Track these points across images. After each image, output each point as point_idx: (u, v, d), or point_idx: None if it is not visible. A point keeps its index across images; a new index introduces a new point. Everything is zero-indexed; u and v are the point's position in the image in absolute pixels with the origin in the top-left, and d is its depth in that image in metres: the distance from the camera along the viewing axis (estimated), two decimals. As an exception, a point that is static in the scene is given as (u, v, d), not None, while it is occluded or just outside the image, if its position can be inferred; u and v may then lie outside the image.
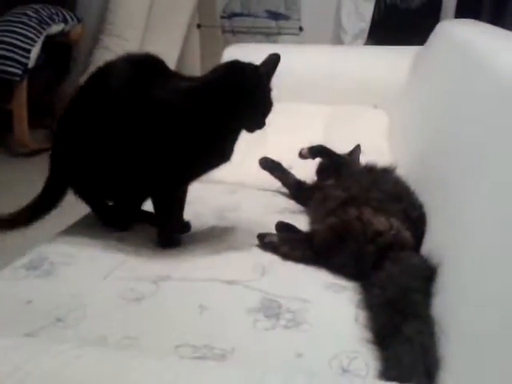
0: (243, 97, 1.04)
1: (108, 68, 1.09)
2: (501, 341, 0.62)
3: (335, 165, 1.39)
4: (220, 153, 1.09)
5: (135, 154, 1.06)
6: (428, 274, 0.91)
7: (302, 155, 1.41)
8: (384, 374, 0.76)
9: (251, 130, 1.09)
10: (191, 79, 1.11)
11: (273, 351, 0.82)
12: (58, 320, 0.86)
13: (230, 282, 0.98)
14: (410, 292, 0.89)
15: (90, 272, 1.01)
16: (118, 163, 1.08)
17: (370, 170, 1.32)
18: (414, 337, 0.78)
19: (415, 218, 1.09)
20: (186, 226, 1.20)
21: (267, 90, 1.08)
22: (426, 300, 0.87)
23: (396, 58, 2.06)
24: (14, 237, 1.15)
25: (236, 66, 1.09)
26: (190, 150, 1.05)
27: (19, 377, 0.48)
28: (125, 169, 1.09)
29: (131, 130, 1.05)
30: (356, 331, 0.86)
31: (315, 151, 1.41)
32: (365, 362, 0.78)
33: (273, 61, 1.08)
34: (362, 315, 0.90)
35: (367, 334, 0.84)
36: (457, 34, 1.55)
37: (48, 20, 3.12)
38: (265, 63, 1.08)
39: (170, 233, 1.14)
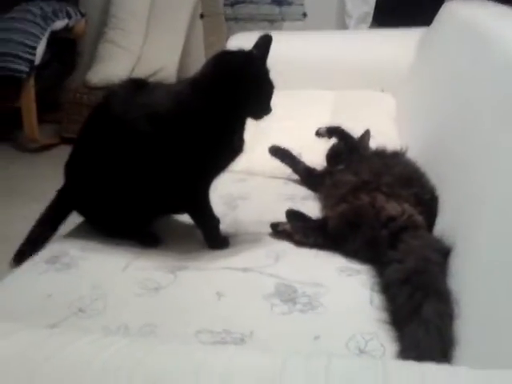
0: (242, 85, 1.02)
1: (106, 100, 1.09)
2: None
3: (349, 147, 1.40)
4: (233, 146, 1.09)
5: (155, 173, 1.05)
6: (444, 249, 0.92)
7: (319, 133, 1.45)
8: (401, 354, 0.77)
9: (258, 116, 1.08)
10: (185, 81, 1.09)
11: (291, 334, 0.83)
12: (80, 310, 0.89)
13: (244, 270, 1.00)
14: (430, 264, 0.90)
15: (108, 264, 1.03)
16: (140, 188, 1.07)
17: (380, 154, 1.33)
18: (432, 319, 0.79)
19: (427, 202, 1.10)
20: None
21: (264, 73, 1.06)
22: (444, 273, 0.88)
23: (402, 41, 2.04)
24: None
25: (227, 56, 1.08)
26: (205, 152, 1.03)
27: (54, 364, 0.50)
28: (146, 191, 1.07)
29: (144, 150, 1.03)
30: (371, 313, 0.87)
31: (332, 131, 1.44)
32: (380, 343, 0.80)
33: (264, 42, 1.06)
34: (377, 297, 0.91)
35: (383, 316, 0.86)
36: (463, 13, 1.54)
37: (52, 16, 3.12)
38: (257, 46, 1.06)
39: (217, 233, 1.12)
